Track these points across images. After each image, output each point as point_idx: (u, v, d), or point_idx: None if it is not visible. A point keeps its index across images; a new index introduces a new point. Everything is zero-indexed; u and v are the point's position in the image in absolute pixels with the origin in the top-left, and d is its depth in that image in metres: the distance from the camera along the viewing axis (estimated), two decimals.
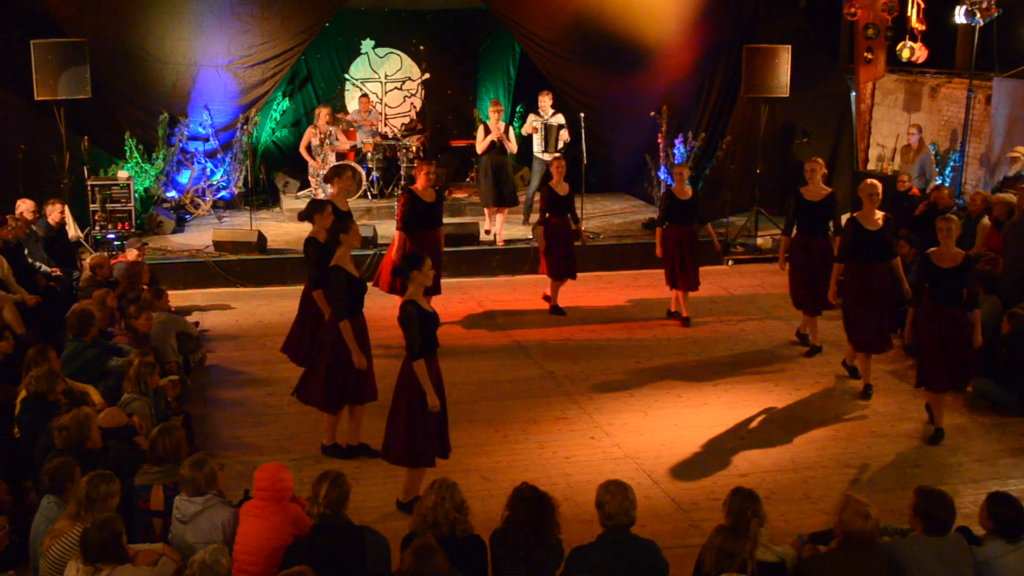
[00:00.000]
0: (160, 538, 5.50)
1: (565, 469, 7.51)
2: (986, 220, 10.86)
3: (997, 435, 8.18)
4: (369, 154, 14.43)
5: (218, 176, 14.38)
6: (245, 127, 14.20)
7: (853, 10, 14.97)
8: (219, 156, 14.27)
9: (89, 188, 12.61)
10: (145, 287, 9.39)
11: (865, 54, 15.24)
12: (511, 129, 13.48)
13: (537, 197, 13.93)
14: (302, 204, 13.84)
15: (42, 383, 6.63)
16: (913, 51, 14.26)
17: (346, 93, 16.33)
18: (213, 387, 9.13)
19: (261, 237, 12.59)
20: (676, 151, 14.70)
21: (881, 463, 7.69)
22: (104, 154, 13.69)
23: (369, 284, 8.62)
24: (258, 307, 11.52)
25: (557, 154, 13.12)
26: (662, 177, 14.98)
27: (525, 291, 12.12)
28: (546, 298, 11.32)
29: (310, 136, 13.78)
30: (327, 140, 13.71)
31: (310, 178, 14.07)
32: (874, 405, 8.77)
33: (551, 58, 14.59)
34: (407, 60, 16.49)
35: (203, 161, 14.24)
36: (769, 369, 9.65)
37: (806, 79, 14.31)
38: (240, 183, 14.45)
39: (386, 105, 15.95)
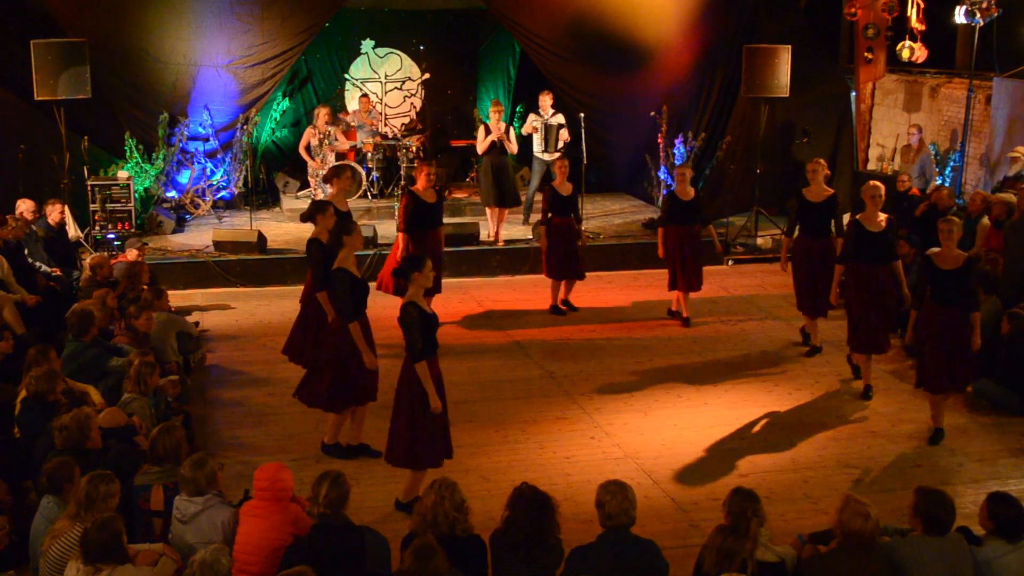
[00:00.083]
0: (160, 538, 5.50)
1: (565, 469, 7.51)
2: (986, 220, 10.86)
3: (997, 435, 8.18)
4: (369, 154, 14.43)
5: (218, 176, 14.38)
6: (245, 127, 14.20)
7: (853, 10, 14.97)
8: (219, 156, 14.27)
9: (89, 188, 12.61)
10: (145, 287, 9.39)
11: (865, 54, 15.24)
12: (511, 129, 13.47)
13: (538, 197, 14.00)
14: (302, 204, 13.93)
15: (42, 383, 6.63)
16: (913, 51, 14.27)
17: (346, 93, 16.34)
18: (213, 387, 9.13)
19: (261, 237, 12.59)
20: (676, 151, 14.69)
21: (881, 463, 7.69)
22: (104, 154, 13.69)
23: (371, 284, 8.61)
24: (258, 307, 11.52)
25: (557, 154, 13.15)
26: (662, 177, 14.98)
27: (525, 291, 12.12)
28: (559, 304, 11.28)
29: (309, 136, 13.78)
30: (326, 140, 13.72)
31: (309, 178, 14.07)
32: (874, 405, 8.77)
33: (551, 58, 14.59)
34: (407, 60, 16.49)
35: (203, 161, 14.24)
36: (769, 369, 9.65)
37: (806, 79, 14.31)
38: (240, 183, 14.45)
39: (386, 105, 15.95)
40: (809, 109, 14.87)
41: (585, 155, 13.15)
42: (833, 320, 9.85)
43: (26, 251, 10.15)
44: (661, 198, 14.96)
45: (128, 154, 13.57)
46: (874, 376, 9.01)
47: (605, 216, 14.72)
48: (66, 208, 11.47)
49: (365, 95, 15.53)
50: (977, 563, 5.19)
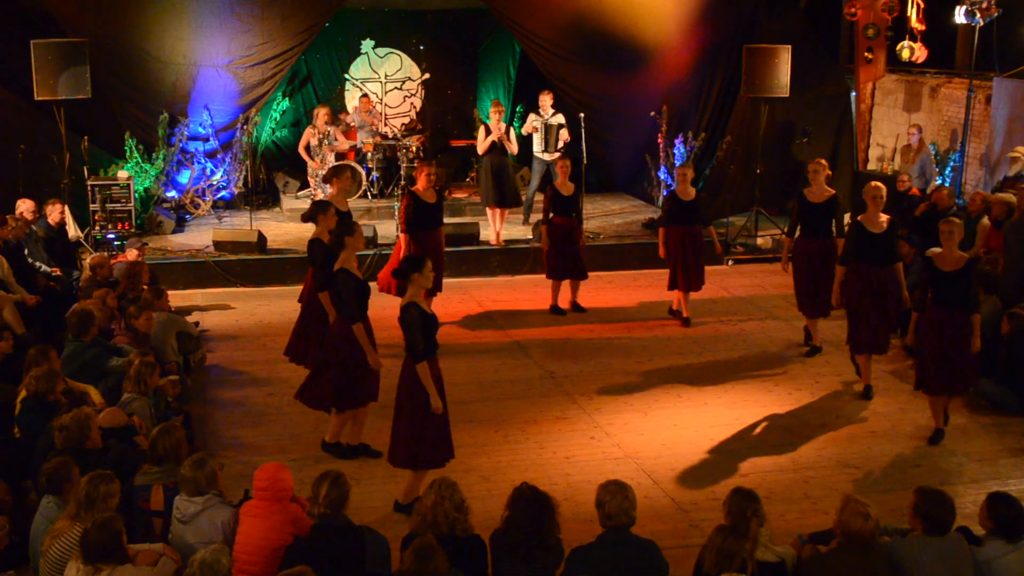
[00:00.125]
0: (160, 538, 5.50)
1: (565, 469, 7.51)
2: (986, 220, 10.86)
3: (997, 435, 8.18)
4: (369, 154, 14.43)
5: (218, 176, 14.38)
6: (245, 127, 14.20)
7: (853, 10, 14.97)
8: (219, 156, 14.26)
9: (89, 188, 12.61)
10: (145, 287, 9.39)
11: (865, 54, 15.24)
12: (511, 130, 13.47)
13: (538, 196, 14.00)
14: (302, 204, 13.94)
15: (42, 383, 6.63)
16: (913, 51, 14.26)
17: (346, 93, 16.34)
18: (213, 387, 9.13)
19: (261, 237, 12.59)
20: (676, 151, 14.69)
21: (881, 463, 7.69)
22: (104, 154, 13.69)
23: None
24: (258, 307, 11.52)
25: (557, 154, 13.14)
26: (662, 177, 14.99)
27: (525, 291, 12.12)
28: (571, 304, 11.26)
29: (308, 136, 13.78)
30: (325, 140, 13.72)
31: (309, 178, 14.07)
32: (874, 405, 8.77)
33: (551, 58, 14.59)
34: (407, 60, 16.50)
35: (203, 161, 14.24)
36: (769, 369, 9.65)
37: (806, 79, 14.31)
38: (240, 183, 14.45)
39: (386, 105, 15.95)
40: (809, 109, 14.87)
41: (585, 155, 13.13)
42: (833, 320, 9.85)
43: (26, 251, 10.15)
44: (661, 198, 14.97)
45: (128, 154, 13.57)
46: (874, 376, 9.01)
47: (605, 216, 14.72)
48: (66, 208, 11.47)
49: (365, 95, 15.53)
50: (977, 563, 5.19)
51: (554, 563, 5.16)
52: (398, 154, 14.23)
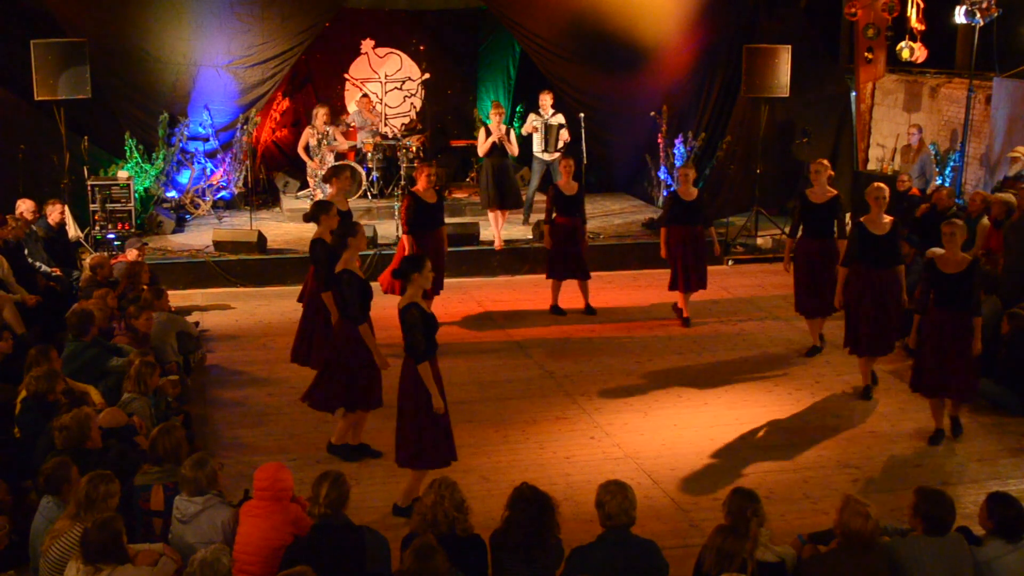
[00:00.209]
0: (160, 538, 5.50)
1: (565, 469, 7.51)
2: (985, 220, 10.86)
3: (997, 435, 8.18)
4: (369, 154, 14.43)
5: (218, 176, 14.37)
6: (245, 127, 14.21)
7: (853, 10, 14.97)
8: (219, 156, 14.27)
9: (89, 188, 12.61)
10: (145, 287, 9.39)
11: (865, 54, 15.24)
12: (511, 131, 13.46)
13: (539, 196, 13.99)
14: (302, 204, 13.95)
15: (42, 383, 6.63)
16: (913, 51, 14.26)
17: (346, 93, 16.34)
18: (213, 387, 9.13)
19: (261, 237, 12.59)
20: (676, 151, 14.70)
21: (881, 463, 7.69)
22: (104, 154, 13.69)
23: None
24: (258, 307, 11.52)
25: (557, 154, 13.16)
26: (662, 177, 14.99)
27: (525, 291, 12.12)
28: (584, 305, 11.23)
29: (308, 136, 13.78)
30: (324, 140, 13.71)
31: (308, 178, 14.08)
32: (874, 405, 8.76)
33: (551, 58, 14.59)
34: (407, 60, 16.49)
35: (203, 161, 14.23)
36: (769, 369, 9.65)
37: (806, 79, 14.31)
38: (240, 183, 14.45)
39: (386, 105, 15.95)
40: (809, 109, 14.87)
41: (585, 155, 13.15)
42: (834, 320, 9.84)
43: (26, 251, 10.15)
44: (661, 198, 14.99)
45: (128, 154, 13.57)
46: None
47: (605, 216, 14.72)
48: (66, 208, 11.47)
49: (365, 95, 15.53)
50: (977, 563, 5.19)
51: (554, 563, 5.17)
52: (398, 154, 14.22)
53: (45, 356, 7.07)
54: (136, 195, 13.10)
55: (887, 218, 8.58)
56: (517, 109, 16.59)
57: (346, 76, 16.30)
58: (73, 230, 11.97)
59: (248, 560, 5.21)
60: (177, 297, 11.03)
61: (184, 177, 14.21)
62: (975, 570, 5.18)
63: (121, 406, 6.84)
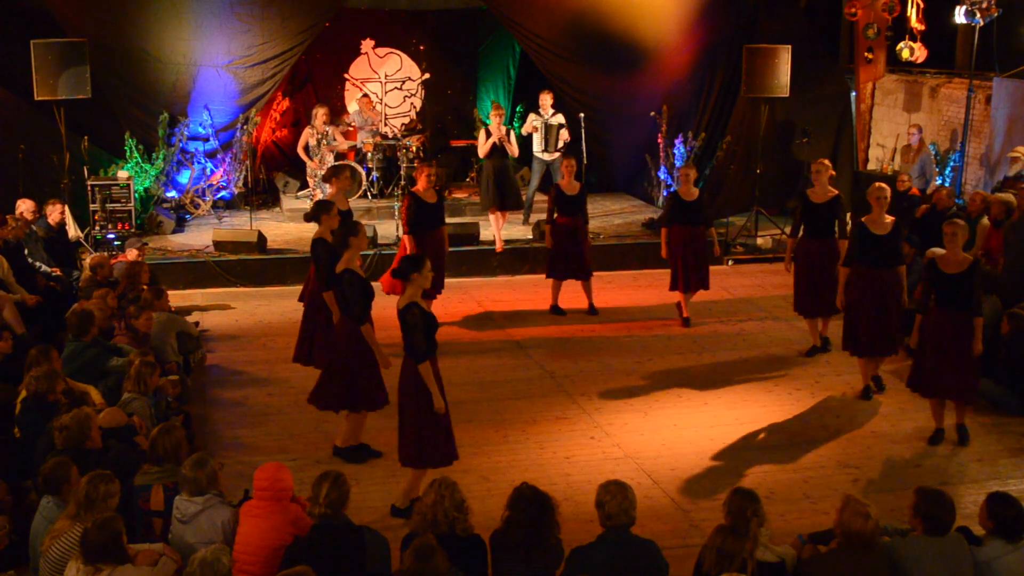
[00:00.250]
0: (160, 538, 5.50)
1: (565, 469, 7.51)
2: (985, 220, 10.86)
3: (997, 435, 8.18)
4: (369, 154, 14.43)
5: (218, 176, 14.37)
6: (245, 127, 14.21)
7: (853, 10, 14.97)
8: (219, 156, 14.27)
9: (89, 188, 12.61)
10: (145, 287, 9.39)
11: (865, 54, 15.25)
12: (511, 132, 13.45)
13: (539, 196, 13.99)
14: (302, 204, 13.95)
15: (42, 383, 6.63)
16: (913, 51, 14.27)
17: (346, 93, 16.34)
18: (213, 387, 9.13)
19: (261, 237, 12.59)
20: (676, 151, 14.70)
21: (881, 463, 7.69)
22: (104, 154, 13.69)
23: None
24: (258, 307, 11.52)
25: (557, 154, 13.16)
26: (662, 177, 14.99)
27: (525, 291, 12.12)
28: (590, 304, 11.21)
29: (307, 136, 13.78)
30: (324, 140, 13.71)
31: (308, 178, 14.07)
32: (874, 405, 8.76)
33: (551, 58, 14.59)
34: (407, 60, 16.50)
35: (203, 161, 14.24)
36: (769, 369, 9.65)
37: (806, 79, 14.31)
38: (240, 183, 14.45)
39: (386, 105, 15.95)
40: (809, 109, 14.87)
41: (585, 155, 13.15)
42: (838, 321, 9.81)
43: (26, 251, 10.15)
44: (661, 198, 14.99)
45: (128, 154, 13.57)
46: (873, 376, 9.00)
47: (605, 216, 14.72)
48: (66, 208, 11.47)
49: (365, 95, 15.53)
50: (977, 563, 5.19)
51: (554, 563, 5.17)
52: (398, 154, 14.23)
53: (46, 356, 7.06)
54: (136, 195, 13.10)
55: (888, 218, 8.56)
56: (517, 109, 16.59)
57: (346, 76, 16.30)
58: (73, 230, 11.98)
59: (248, 560, 5.21)
60: (177, 297, 11.03)
61: (184, 177, 14.21)
62: (975, 570, 5.17)
63: (121, 406, 6.84)
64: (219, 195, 14.49)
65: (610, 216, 14.75)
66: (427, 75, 16.22)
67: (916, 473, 7.50)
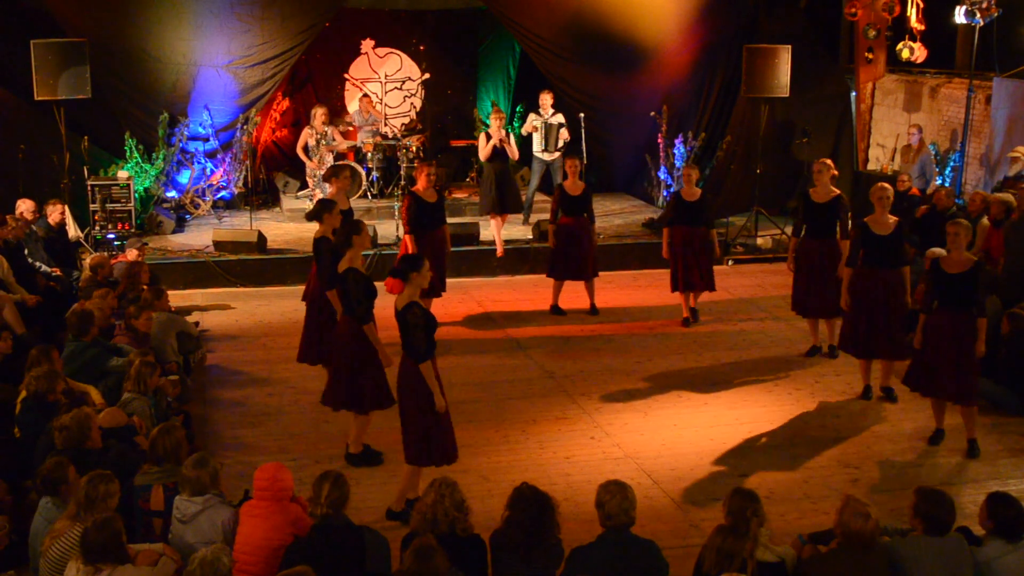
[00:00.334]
0: (160, 538, 5.50)
1: (565, 469, 7.51)
2: (985, 220, 10.86)
3: (997, 435, 8.17)
4: (369, 154, 14.43)
5: (218, 176, 14.37)
6: (245, 127, 14.21)
7: (853, 10, 14.97)
8: (219, 156, 14.27)
9: (89, 188, 12.62)
10: (145, 287, 9.40)
11: (865, 54, 15.25)
12: (511, 135, 13.42)
13: (539, 196, 13.99)
14: (302, 204, 13.96)
15: (42, 383, 6.63)
16: (912, 51, 14.27)
17: (346, 93, 16.34)
18: (213, 387, 9.13)
19: (261, 237, 12.60)
20: (676, 151, 14.70)
21: (881, 463, 7.69)
22: (104, 154, 13.69)
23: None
24: (258, 307, 11.52)
25: (557, 153, 13.17)
26: (662, 177, 15.00)
27: (525, 291, 12.12)
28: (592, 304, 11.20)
29: (306, 136, 13.78)
30: (323, 140, 13.71)
31: (308, 178, 14.07)
32: (874, 405, 8.76)
33: (551, 58, 14.60)
34: (407, 60, 16.50)
35: (203, 161, 14.24)
36: (769, 369, 9.64)
37: (806, 79, 14.31)
38: (240, 183, 14.46)
39: (386, 105, 15.95)
40: (809, 109, 14.88)
41: (585, 155, 13.15)
42: (839, 322, 9.83)
43: (26, 251, 10.15)
44: (661, 198, 15.00)
45: (128, 154, 13.57)
46: (874, 376, 8.99)
47: (605, 216, 14.70)
48: (66, 208, 11.47)
49: (366, 95, 15.53)
50: (977, 563, 5.19)
51: (554, 563, 5.16)
52: (398, 154, 14.22)
53: (46, 356, 7.07)
54: (136, 195, 13.10)
55: (891, 218, 8.53)
56: (517, 109, 16.59)
57: (346, 76, 16.30)
58: (73, 230, 11.98)
59: (248, 560, 5.21)
60: (177, 297, 11.04)
61: (184, 177, 14.22)
62: (975, 570, 5.17)
63: (121, 406, 6.84)
64: (219, 195, 14.49)
65: (610, 216, 14.74)
66: (427, 75, 16.21)
67: (916, 473, 7.50)
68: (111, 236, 12.56)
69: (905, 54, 14.36)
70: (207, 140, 14.13)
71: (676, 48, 14.60)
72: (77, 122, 12.72)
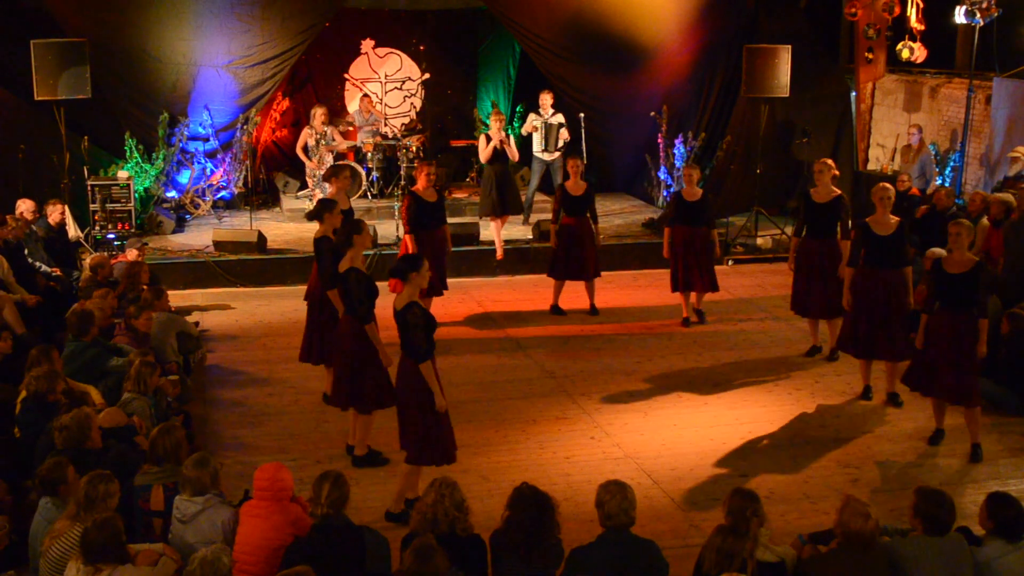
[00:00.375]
0: (160, 538, 5.50)
1: (565, 469, 7.51)
2: (985, 220, 10.87)
3: (997, 435, 8.17)
4: (369, 154, 14.43)
5: (218, 176, 14.37)
6: (245, 127, 14.21)
7: (853, 10, 14.97)
8: (219, 156, 14.27)
9: (89, 188, 12.62)
10: (145, 287, 9.39)
11: (865, 54, 15.25)
12: (511, 138, 13.40)
13: (539, 196, 13.99)
14: (302, 204, 13.96)
15: (42, 383, 6.63)
16: (912, 51, 14.27)
17: (346, 93, 16.34)
18: (213, 387, 9.13)
19: (261, 237, 12.60)
20: (676, 151, 14.70)
21: (881, 463, 7.69)
22: (104, 154, 13.70)
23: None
24: (258, 307, 11.52)
25: (557, 153, 13.17)
26: (662, 177, 14.99)
27: (525, 291, 12.12)
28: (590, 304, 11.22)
29: (306, 136, 13.78)
30: (322, 140, 13.71)
31: (307, 178, 14.07)
32: (874, 405, 8.76)
33: (551, 58, 14.60)
34: (407, 60, 16.50)
35: (203, 161, 14.24)
36: (769, 369, 9.64)
37: (806, 79, 14.31)
38: (240, 183, 14.46)
39: (386, 105, 15.95)
40: (809, 109, 14.87)
41: (585, 155, 13.15)
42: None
43: (26, 251, 10.15)
44: (661, 198, 15.00)
45: (128, 154, 13.57)
46: (874, 376, 8.99)
47: (605, 216, 14.67)
48: (66, 208, 11.47)
49: (366, 95, 15.53)
50: (977, 563, 5.19)
51: (554, 563, 5.17)
52: (398, 154, 14.22)
53: (46, 356, 7.06)
54: (136, 195, 13.10)
55: (893, 219, 8.52)
56: (517, 109, 16.59)
57: (346, 76, 16.30)
58: (73, 230, 11.98)
59: (248, 560, 5.21)
60: (177, 297, 11.04)
61: (184, 177, 14.22)
62: (975, 570, 5.17)
63: (121, 406, 6.84)
64: (219, 195, 14.49)
65: (610, 216, 14.74)
66: (427, 75, 16.21)
67: (916, 473, 7.50)
68: (111, 236, 12.56)
69: (905, 54, 14.36)
70: (207, 140, 14.13)
71: (676, 48, 14.60)
72: (77, 122, 12.71)
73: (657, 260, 11.04)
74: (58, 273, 10.45)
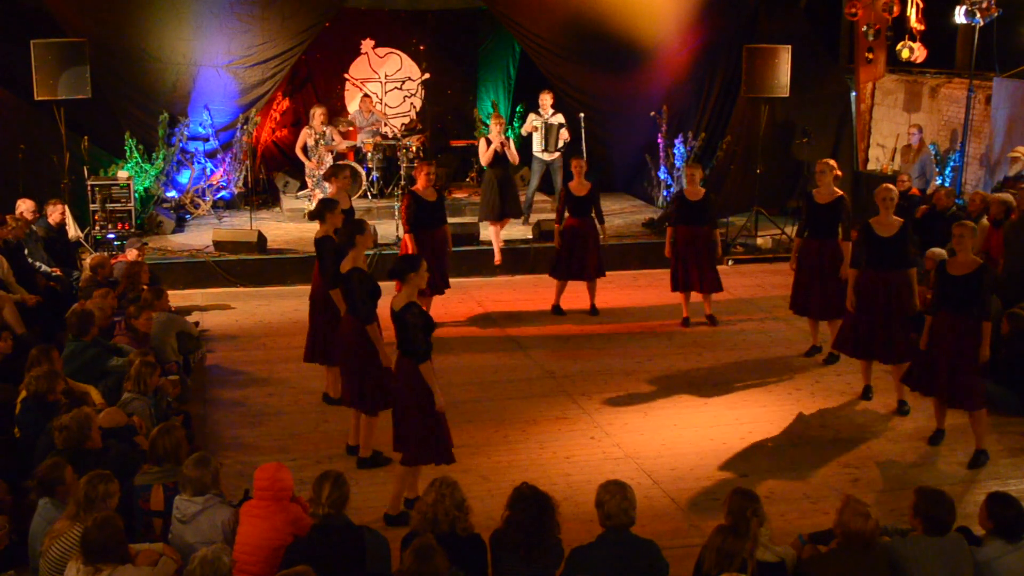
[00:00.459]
0: (160, 538, 5.50)
1: (565, 469, 7.51)
2: (985, 220, 10.87)
3: (997, 435, 8.16)
4: (369, 154, 14.43)
5: (218, 176, 14.37)
6: (245, 127, 14.21)
7: (853, 10, 14.98)
8: (219, 156, 14.27)
9: (89, 188, 12.62)
10: (145, 287, 9.40)
11: (865, 54, 15.25)
12: (511, 140, 13.38)
13: (539, 196, 13.99)
14: (302, 204, 13.97)
15: (42, 383, 6.63)
16: (912, 51, 14.27)
17: (346, 93, 16.34)
18: (213, 387, 9.13)
19: (261, 237, 12.60)
20: (676, 151, 14.70)
21: (881, 463, 7.69)
22: (104, 154, 13.69)
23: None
24: (258, 307, 11.52)
25: (557, 154, 13.18)
26: (662, 177, 14.99)
27: (525, 291, 12.12)
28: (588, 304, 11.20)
29: (305, 136, 13.77)
30: (321, 140, 13.70)
31: (307, 178, 14.07)
32: (874, 405, 8.76)
33: (551, 58, 14.60)
34: (407, 60, 16.50)
35: (203, 161, 14.24)
36: (769, 369, 9.64)
37: (806, 79, 14.31)
38: (240, 183, 14.46)
39: (386, 105, 15.94)
40: (809, 109, 14.87)
41: (585, 155, 13.14)
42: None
43: (26, 251, 10.15)
44: (661, 198, 15.00)
45: (128, 154, 13.57)
46: (874, 376, 8.99)
47: (606, 216, 14.65)
48: (66, 208, 11.47)
49: (367, 95, 15.53)
50: (977, 563, 5.19)
51: (554, 563, 5.17)
52: (398, 154, 14.22)
53: (46, 356, 7.06)
54: (136, 195, 13.10)
55: (896, 220, 8.49)
56: (517, 109, 16.59)
57: (346, 76, 16.30)
58: (73, 230, 11.97)
59: (248, 560, 5.21)
60: (177, 297, 11.03)
61: (184, 177, 14.22)
62: (975, 570, 5.18)
63: (121, 406, 6.84)
64: (219, 195, 14.49)
65: (610, 216, 14.70)
66: (427, 75, 16.22)
67: (916, 473, 7.50)
68: (111, 236, 12.56)
69: (905, 54, 14.36)
70: (207, 140, 14.13)
71: (676, 48, 14.60)
72: (77, 122, 12.71)
73: (657, 260, 11.04)
74: (58, 273, 10.46)
